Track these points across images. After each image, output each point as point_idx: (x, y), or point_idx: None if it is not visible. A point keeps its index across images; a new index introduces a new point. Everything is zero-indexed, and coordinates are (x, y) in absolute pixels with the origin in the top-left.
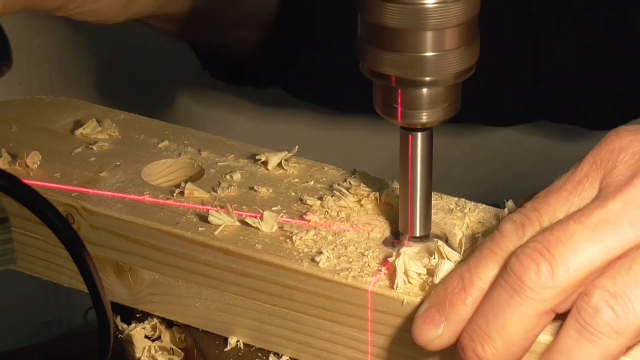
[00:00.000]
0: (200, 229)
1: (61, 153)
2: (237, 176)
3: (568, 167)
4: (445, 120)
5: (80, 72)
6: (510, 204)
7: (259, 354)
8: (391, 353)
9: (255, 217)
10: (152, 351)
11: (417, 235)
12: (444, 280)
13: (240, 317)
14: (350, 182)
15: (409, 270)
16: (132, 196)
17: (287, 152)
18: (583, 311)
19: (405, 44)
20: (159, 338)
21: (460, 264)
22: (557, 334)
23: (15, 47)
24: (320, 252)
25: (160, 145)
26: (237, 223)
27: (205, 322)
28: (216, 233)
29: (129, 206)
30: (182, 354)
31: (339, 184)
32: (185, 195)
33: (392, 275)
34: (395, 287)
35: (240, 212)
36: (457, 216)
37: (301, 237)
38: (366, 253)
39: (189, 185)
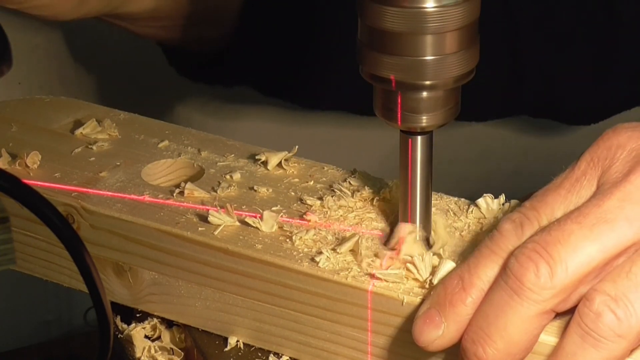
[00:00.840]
0: (200, 229)
1: (61, 153)
2: (237, 176)
3: (547, 163)
4: (445, 123)
5: (80, 72)
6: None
7: (259, 354)
8: (391, 353)
9: (255, 217)
10: (152, 351)
11: (417, 238)
12: (443, 280)
13: (240, 317)
14: (350, 182)
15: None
16: (132, 196)
17: (287, 152)
18: (585, 316)
19: (405, 47)
20: (159, 338)
21: (460, 263)
22: (560, 339)
23: (15, 47)
24: (320, 252)
25: (160, 145)
26: (237, 223)
27: (205, 322)
28: (216, 233)
29: (129, 206)
30: (182, 354)
31: (339, 184)
32: (185, 195)
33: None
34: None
35: (240, 212)
36: (457, 216)
37: (301, 237)
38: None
39: (189, 185)
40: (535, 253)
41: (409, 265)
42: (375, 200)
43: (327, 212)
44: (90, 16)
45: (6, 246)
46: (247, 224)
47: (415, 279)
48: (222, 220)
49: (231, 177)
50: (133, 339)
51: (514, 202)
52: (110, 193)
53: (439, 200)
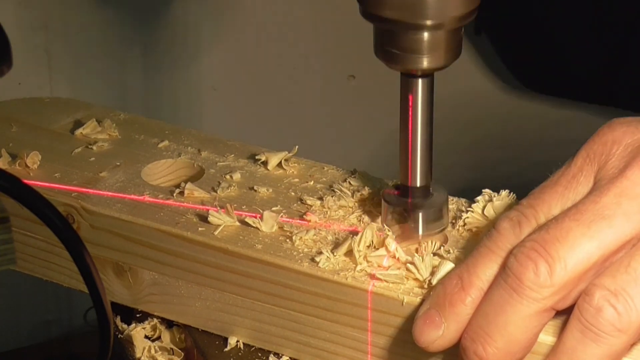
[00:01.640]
0: (200, 229)
1: (61, 153)
2: (237, 176)
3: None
4: (446, 66)
5: (80, 72)
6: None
7: (259, 354)
8: (391, 353)
9: (255, 217)
10: (152, 351)
11: (418, 185)
12: (442, 280)
13: (240, 317)
14: (350, 182)
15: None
16: (132, 196)
17: (287, 152)
18: (585, 311)
19: None
20: (159, 338)
21: (459, 263)
22: (560, 335)
23: (15, 47)
24: (320, 252)
25: (160, 145)
26: (237, 223)
27: (205, 322)
28: (216, 233)
29: (129, 206)
30: (182, 354)
31: (339, 184)
32: (185, 195)
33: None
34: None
35: (240, 212)
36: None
37: (301, 237)
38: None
39: (189, 185)
40: (534, 251)
41: (409, 265)
42: (375, 200)
43: (327, 212)
44: None
45: (6, 246)
46: (247, 224)
47: (416, 279)
48: (222, 220)
49: (231, 177)
50: (133, 339)
51: (504, 193)
52: (110, 193)
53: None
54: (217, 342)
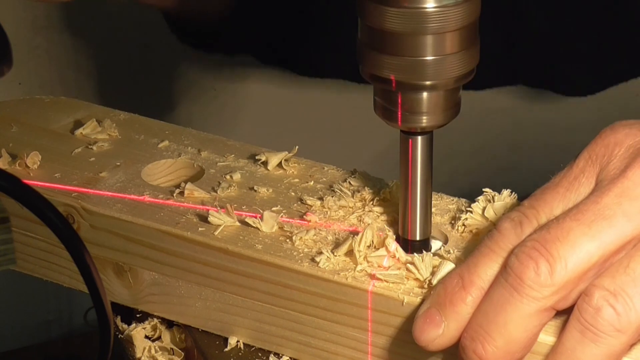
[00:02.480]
0: (200, 229)
1: (61, 153)
2: (237, 176)
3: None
4: (445, 124)
5: (80, 72)
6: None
7: (259, 354)
8: (391, 353)
9: (255, 217)
10: (152, 351)
11: (417, 239)
12: (443, 279)
13: (240, 317)
14: (350, 182)
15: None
16: (132, 196)
17: (287, 152)
18: (584, 312)
19: (405, 47)
20: (159, 338)
21: (459, 263)
22: (560, 335)
23: (15, 47)
24: (320, 252)
25: (160, 145)
26: (237, 223)
27: (205, 322)
28: (216, 233)
29: (129, 206)
30: (182, 354)
31: (339, 184)
32: (185, 195)
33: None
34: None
35: (240, 212)
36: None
37: (301, 237)
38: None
39: (189, 186)
40: (534, 251)
41: (409, 265)
42: (375, 201)
43: (327, 212)
44: None
45: (6, 246)
46: (247, 224)
47: (416, 279)
48: (222, 220)
49: (231, 177)
50: (133, 339)
51: (505, 193)
52: (110, 193)
53: (439, 201)
54: (217, 342)
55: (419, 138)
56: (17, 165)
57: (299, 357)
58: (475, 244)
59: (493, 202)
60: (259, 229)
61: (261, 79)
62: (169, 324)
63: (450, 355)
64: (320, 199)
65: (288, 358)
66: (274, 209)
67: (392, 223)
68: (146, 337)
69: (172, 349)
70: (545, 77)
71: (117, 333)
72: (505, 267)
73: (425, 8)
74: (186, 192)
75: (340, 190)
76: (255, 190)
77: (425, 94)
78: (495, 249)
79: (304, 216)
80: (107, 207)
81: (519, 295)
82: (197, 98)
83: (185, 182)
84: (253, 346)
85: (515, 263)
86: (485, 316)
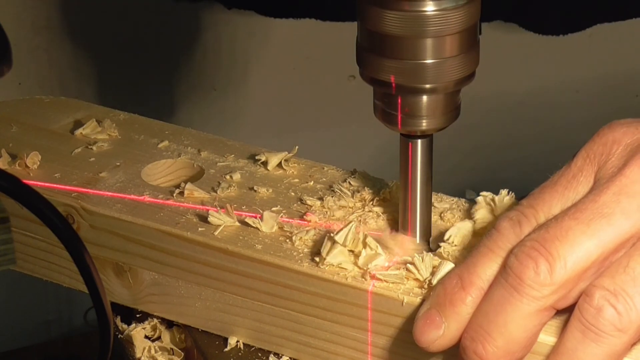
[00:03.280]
0: (200, 229)
1: (61, 153)
2: (237, 176)
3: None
4: (445, 127)
5: (80, 72)
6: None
7: (259, 354)
8: (391, 353)
9: (255, 217)
10: (152, 351)
11: (418, 242)
12: (442, 280)
13: (240, 317)
14: (350, 182)
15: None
16: (132, 196)
17: (287, 153)
18: (585, 312)
19: (405, 51)
20: (159, 338)
21: (459, 263)
22: (561, 335)
23: (15, 47)
24: (320, 252)
25: (160, 145)
26: (237, 223)
27: (205, 322)
28: (216, 233)
29: (129, 206)
30: (182, 354)
31: (339, 184)
32: (185, 195)
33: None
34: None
35: (240, 212)
36: (456, 216)
37: (301, 237)
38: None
39: (188, 186)
40: (534, 250)
41: (409, 265)
42: (375, 201)
43: (327, 212)
44: None
45: (6, 246)
46: (247, 224)
47: (416, 279)
48: (222, 220)
49: (231, 177)
50: (133, 339)
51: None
52: (110, 193)
53: (439, 202)
54: (217, 342)
55: (419, 141)
56: (17, 165)
57: (299, 357)
58: (475, 243)
59: (495, 205)
60: (258, 229)
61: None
62: (169, 324)
63: (451, 355)
64: (320, 199)
65: (288, 358)
66: (274, 209)
67: (392, 223)
68: (146, 337)
69: (172, 349)
70: (518, 11)
71: (117, 333)
72: (504, 267)
73: (425, 11)
74: (186, 192)
75: (340, 190)
76: (255, 191)
77: (425, 97)
78: (494, 249)
79: (304, 216)
80: (107, 207)
81: (518, 295)
82: (197, 98)
83: (185, 182)
84: (253, 346)
85: (514, 263)
86: (485, 316)
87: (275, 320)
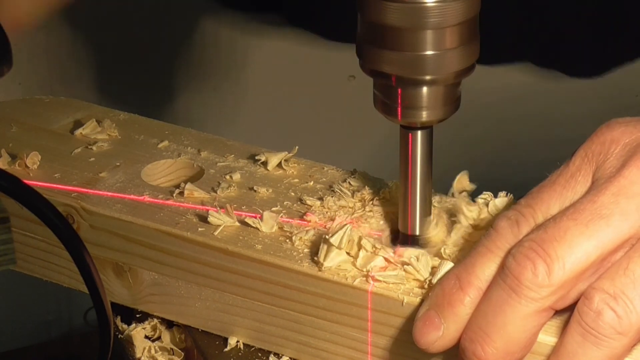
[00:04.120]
0: (200, 229)
1: (61, 153)
2: (236, 176)
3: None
4: (445, 118)
5: (80, 72)
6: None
7: (259, 354)
8: (391, 353)
9: (255, 218)
10: (152, 351)
11: (417, 234)
12: (440, 281)
13: (240, 317)
14: (350, 182)
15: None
16: (132, 196)
17: (287, 153)
18: (585, 315)
19: (405, 42)
20: (159, 338)
21: (457, 263)
22: (561, 338)
23: (15, 47)
24: (318, 256)
25: (160, 145)
26: (237, 223)
27: (205, 322)
28: (216, 233)
29: (129, 206)
30: (182, 354)
31: (339, 184)
32: (185, 195)
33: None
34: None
35: (240, 212)
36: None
37: (301, 238)
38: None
39: (188, 186)
40: (532, 251)
41: (406, 267)
42: (375, 200)
43: (327, 212)
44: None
45: (6, 246)
46: (247, 224)
47: (416, 280)
48: (222, 220)
49: (231, 177)
50: (133, 339)
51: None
52: (110, 193)
53: (439, 202)
54: (217, 342)
55: (419, 132)
56: (17, 165)
57: (299, 357)
58: (473, 243)
59: (491, 203)
60: (258, 229)
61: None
62: (169, 324)
63: (451, 355)
64: (320, 199)
65: (288, 358)
66: (274, 209)
67: (393, 223)
68: (146, 337)
69: (172, 349)
70: (551, 54)
71: (117, 333)
72: (502, 268)
73: (425, 3)
74: (186, 192)
75: (340, 190)
76: (255, 191)
77: (425, 89)
78: (493, 249)
79: (304, 216)
80: (107, 207)
81: (517, 296)
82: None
83: (185, 182)
84: (253, 346)
85: (512, 264)
86: (484, 317)
87: (275, 320)
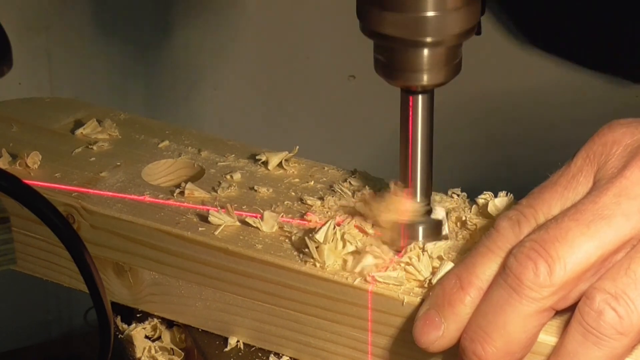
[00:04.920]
0: (200, 229)
1: (61, 153)
2: (237, 176)
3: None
4: (446, 82)
5: (80, 72)
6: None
7: (259, 354)
8: (392, 353)
9: (256, 217)
10: (153, 351)
11: (418, 200)
12: (441, 280)
13: (240, 317)
14: (350, 182)
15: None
16: (133, 196)
17: (287, 152)
18: (586, 315)
19: (405, 3)
20: (159, 338)
21: (457, 263)
22: (561, 337)
23: (15, 47)
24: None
25: (161, 145)
26: (237, 223)
27: (206, 322)
28: (216, 233)
29: (129, 206)
30: (182, 354)
31: (339, 184)
32: (185, 195)
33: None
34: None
35: (241, 212)
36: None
37: (301, 238)
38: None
39: (189, 185)
40: (533, 251)
41: (407, 267)
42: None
43: (327, 212)
44: None
45: (6, 246)
46: (248, 224)
47: (416, 280)
48: (223, 220)
49: (231, 177)
50: (133, 339)
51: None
52: (110, 193)
53: (439, 202)
54: (217, 342)
55: (420, 96)
56: (17, 165)
57: (299, 357)
58: (474, 243)
59: (491, 203)
60: (259, 229)
61: None
62: (169, 324)
63: (451, 355)
64: (321, 198)
65: (288, 358)
66: (274, 208)
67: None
68: (146, 337)
69: (172, 349)
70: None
71: (117, 333)
72: (504, 268)
73: None
74: (186, 192)
75: (341, 190)
76: (256, 190)
77: (425, 51)
78: (494, 249)
79: (304, 216)
80: (107, 207)
81: (518, 296)
82: (197, 98)
83: (186, 182)
84: (253, 346)
85: (514, 264)
86: (484, 317)
87: (275, 320)
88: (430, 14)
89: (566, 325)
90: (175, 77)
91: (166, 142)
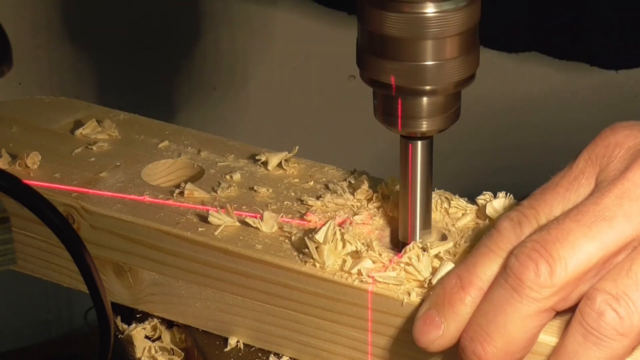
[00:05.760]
0: (200, 229)
1: (61, 153)
2: (237, 176)
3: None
4: (445, 128)
5: (80, 72)
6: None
7: (259, 354)
8: (392, 353)
9: (255, 217)
10: (153, 351)
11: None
12: (442, 280)
13: (240, 317)
14: (350, 182)
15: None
16: (132, 196)
17: (287, 153)
18: (587, 315)
19: (405, 52)
20: (159, 338)
21: (458, 263)
22: (562, 338)
23: (15, 47)
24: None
25: (160, 145)
26: (237, 223)
27: (205, 322)
28: (216, 233)
29: (129, 206)
30: (182, 354)
31: (339, 184)
32: (185, 195)
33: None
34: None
35: (240, 212)
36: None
37: (301, 238)
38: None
39: (189, 186)
40: (534, 252)
41: (407, 267)
42: (375, 200)
43: (327, 212)
44: None
45: (6, 246)
46: (247, 224)
47: (416, 280)
48: (222, 220)
49: (231, 177)
50: (133, 339)
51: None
52: (110, 193)
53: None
54: (217, 342)
55: (419, 143)
56: (17, 165)
57: (299, 357)
58: (474, 243)
59: (491, 203)
60: (259, 229)
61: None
62: (169, 324)
63: (451, 355)
64: (320, 198)
65: (288, 358)
66: (274, 208)
67: (392, 221)
68: (146, 337)
69: (172, 349)
70: (573, 45)
71: (117, 333)
72: (504, 268)
73: (425, 13)
74: (186, 192)
75: (341, 189)
76: (255, 190)
77: (425, 99)
78: (495, 249)
79: (304, 216)
80: (107, 207)
81: (518, 296)
82: (197, 98)
83: (185, 182)
84: (253, 346)
85: (515, 264)
86: (484, 317)
87: (275, 320)
88: (429, 63)
89: (567, 325)
90: (175, 77)
91: (166, 142)
